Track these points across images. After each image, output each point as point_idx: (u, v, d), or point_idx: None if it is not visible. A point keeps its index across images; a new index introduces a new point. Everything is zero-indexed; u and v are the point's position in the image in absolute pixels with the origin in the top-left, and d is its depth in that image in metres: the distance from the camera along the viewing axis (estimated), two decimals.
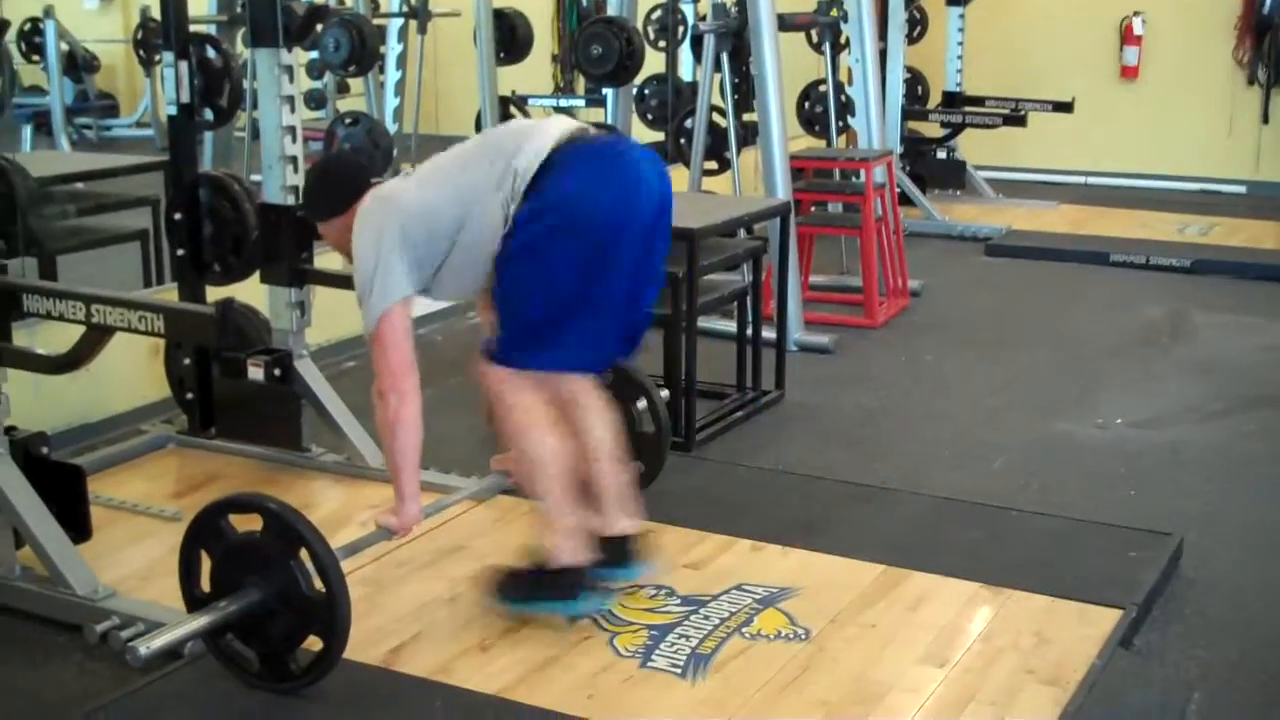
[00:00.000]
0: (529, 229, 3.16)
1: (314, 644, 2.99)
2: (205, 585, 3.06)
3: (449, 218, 3.22)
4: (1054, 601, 3.47)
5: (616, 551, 3.47)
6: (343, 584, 2.95)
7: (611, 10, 7.66)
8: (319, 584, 2.95)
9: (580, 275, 3.16)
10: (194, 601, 3.07)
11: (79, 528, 3.53)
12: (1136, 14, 10.26)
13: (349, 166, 3.62)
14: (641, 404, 3.98)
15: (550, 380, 3.34)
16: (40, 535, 3.42)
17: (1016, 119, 8.99)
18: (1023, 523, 4.04)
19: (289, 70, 4.17)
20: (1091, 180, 10.35)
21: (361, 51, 7.41)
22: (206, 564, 3.08)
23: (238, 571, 3.00)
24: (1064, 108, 9.07)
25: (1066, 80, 9.90)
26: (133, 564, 3.67)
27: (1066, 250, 7.89)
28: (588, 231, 3.15)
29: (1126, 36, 10.35)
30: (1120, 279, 7.38)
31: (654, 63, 8.20)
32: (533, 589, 3.35)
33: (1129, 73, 10.40)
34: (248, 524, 3.03)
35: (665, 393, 4.06)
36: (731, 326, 5.35)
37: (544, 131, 3.25)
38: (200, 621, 2.96)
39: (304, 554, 2.95)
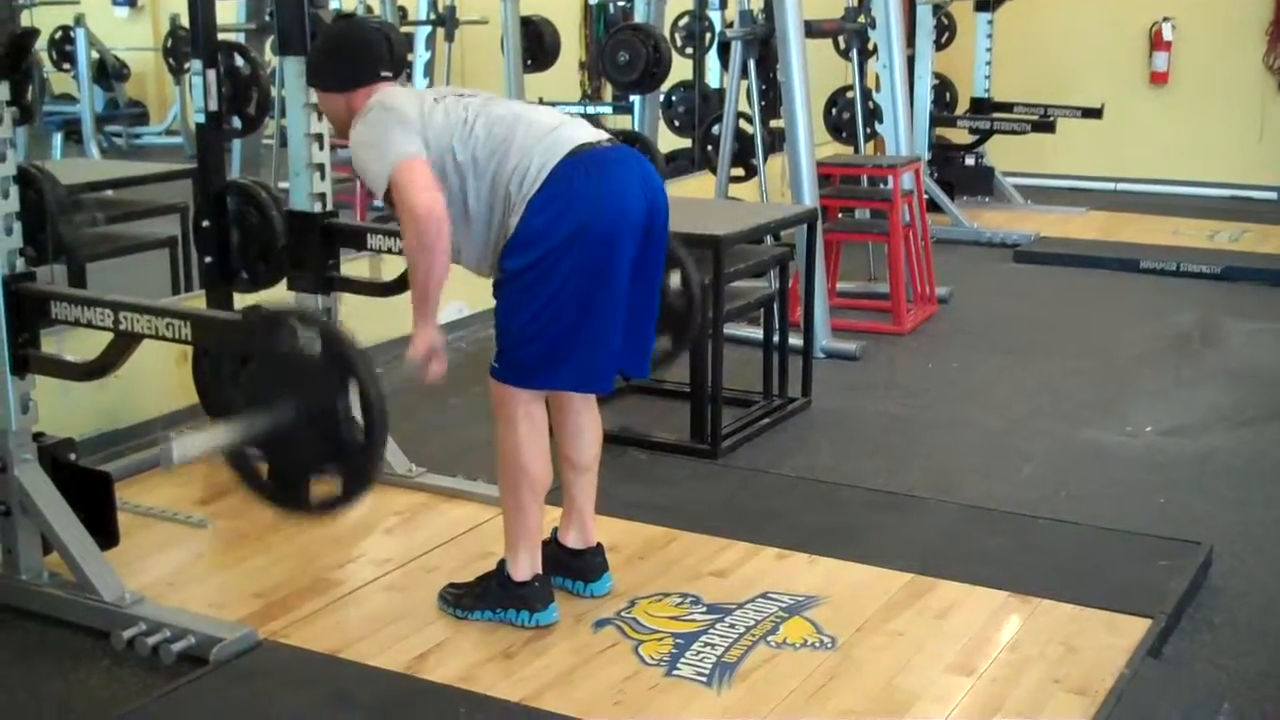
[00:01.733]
0: (521, 256, 3.15)
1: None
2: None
3: (462, 165, 3.19)
4: (1082, 610, 3.45)
5: (583, 564, 3.53)
6: (385, 434, 2.86)
7: (639, 17, 7.69)
8: (361, 428, 2.84)
9: (576, 297, 3.16)
10: (220, 398, 3.00)
11: (107, 534, 3.54)
12: (1166, 19, 10.21)
13: (364, 42, 3.42)
14: (675, 278, 3.89)
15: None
16: (68, 541, 3.43)
17: (1045, 125, 8.96)
18: (1051, 531, 4.02)
19: None
20: (1121, 186, 10.29)
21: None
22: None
23: (278, 385, 2.90)
24: (1093, 114, 9.03)
25: (1096, 86, 9.86)
26: (160, 570, 3.68)
27: (1096, 257, 7.85)
28: (579, 252, 3.13)
29: (1156, 42, 10.29)
30: (1150, 286, 7.34)
31: (681, 70, 8.21)
32: (491, 600, 3.39)
33: (1158, 78, 10.34)
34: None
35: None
36: (758, 333, 5.34)
37: (550, 149, 3.18)
38: (232, 432, 2.89)
39: (353, 390, 2.84)
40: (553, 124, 3.27)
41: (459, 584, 3.49)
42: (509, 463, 3.32)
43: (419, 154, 3.14)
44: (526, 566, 3.37)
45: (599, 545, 3.58)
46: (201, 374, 4.58)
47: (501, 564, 3.41)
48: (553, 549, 3.51)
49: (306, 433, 2.87)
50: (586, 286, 3.16)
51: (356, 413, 2.83)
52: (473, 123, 3.23)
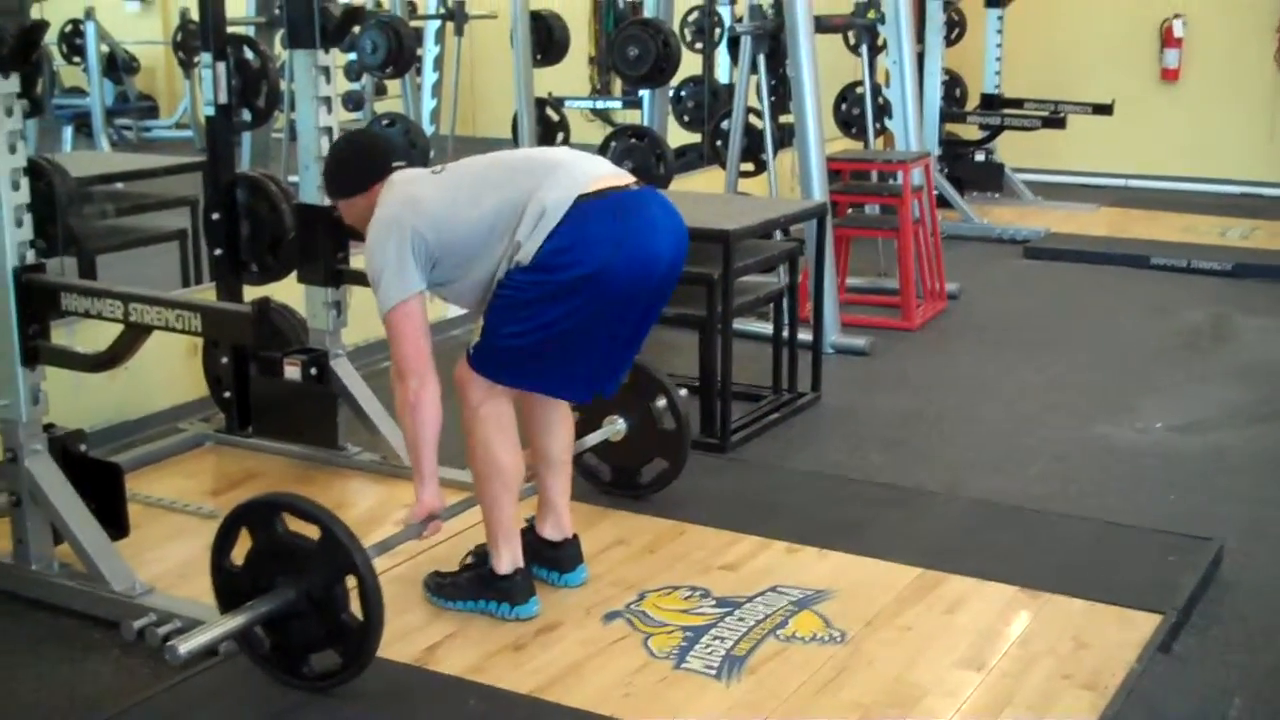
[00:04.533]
0: (532, 277, 3.15)
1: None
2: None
3: (461, 244, 3.21)
4: (1092, 606, 3.45)
5: (559, 555, 3.57)
6: (381, 618, 2.94)
7: (648, 12, 7.67)
8: (358, 613, 2.95)
9: (571, 331, 3.18)
10: (222, 572, 3.06)
11: (117, 525, 3.55)
12: (1177, 16, 10.19)
13: (371, 146, 3.57)
14: (661, 402, 3.98)
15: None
16: (79, 532, 3.44)
17: (1055, 121, 8.94)
18: (1061, 526, 4.01)
19: (326, 72, 4.19)
20: (1131, 183, 10.27)
21: (399, 53, 7.45)
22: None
23: (279, 568, 2.99)
24: (1103, 110, 9.01)
25: (1106, 82, 9.84)
26: (170, 561, 3.69)
27: (1106, 253, 7.83)
28: (588, 295, 3.14)
29: (1167, 39, 10.27)
30: (1161, 282, 7.32)
31: (691, 64, 8.20)
32: (472, 592, 3.42)
33: (1169, 75, 10.33)
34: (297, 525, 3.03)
35: (684, 391, 4.05)
36: (767, 328, 5.34)
37: (559, 189, 3.17)
38: (238, 620, 2.95)
39: (350, 580, 2.96)
40: (559, 161, 3.28)
41: (444, 572, 3.52)
42: (479, 457, 3.35)
43: (418, 289, 3.21)
44: (507, 560, 3.39)
45: (575, 536, 3.61)
46: (211, 366, 4.59)
47: (484, 555, 3.44)
48: (530, 539, 3.52)
49: (306, 616, 2.98)
50: (585, 324, 3.19)
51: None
52: (472, 192, 3.24)
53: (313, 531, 2.97)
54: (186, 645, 2.85)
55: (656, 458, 4.09)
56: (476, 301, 3.31)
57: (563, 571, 3.57)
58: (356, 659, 2.98)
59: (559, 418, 3.55)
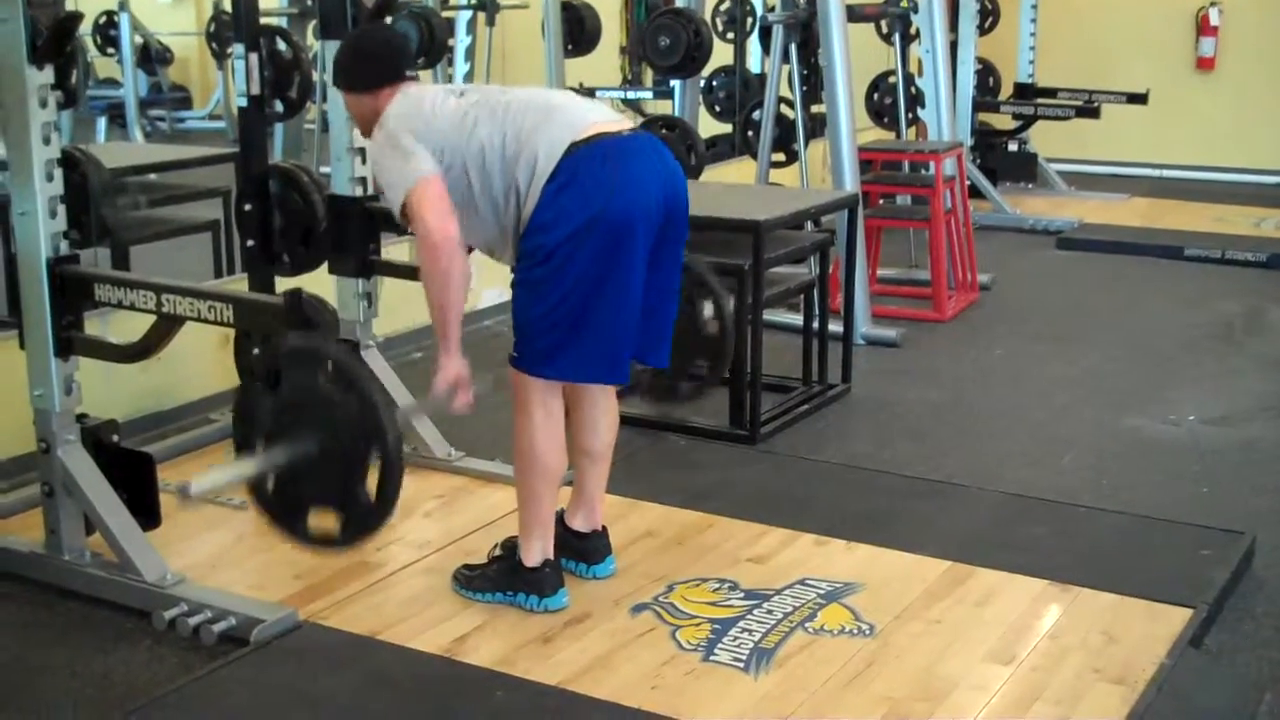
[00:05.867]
0: (536, 242, 3.15)
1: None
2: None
3: (463, 164, 3.20)
4: (1123, 600, 3.43)
5: (587, 547, 3.57)
6: (393, 504, 2.91)
7: (680, 2, 7.65)
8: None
9: (589, 289, 3.15)
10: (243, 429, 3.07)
11: (149, 515, 3.57)
12: (1213, 4, 10.11)
13: (387, 46, 3.50)
14: (708, 309, 3.95)
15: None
16: (110, 522, 3.46)
17: (1089, 111, 8.88)
18: (1092, 520, 3.99)
19: None
20: (1165, 173, 10.21)
21: (430, 44, 7.47)
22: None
23: (305, 417, 2.95)
24: (1138, 99, 8.95)
25: (1141, 72, 9.78)
26: (201, 551, 3.71)
27: (1140, 244, 7.79)
28: (592, 244, 3.13)
29: (1203, 27, 10.19)
30: (1194, 273, 7.28)
31: (722, 54, 8.19)
32: (505, 584, 3.42)
33: (1205, 64, 10.25)
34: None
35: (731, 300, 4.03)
36: (798, 319, 5.33)
37: (554, 132, 3.17)
38: (253, 465, 2.96)
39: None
40: (556, 104, 3.27)
41: (473, 565, 3.52)
42: (523, 451, 3.34)
43: (432, 171, 3.17)
44: (538, 552, 3.39)
45: (604, 529, 3.61)
46: (243, 357, 4.61)
47: (513, 548, 3.44)
48: (559, 531, 3.51)
49: (322, 470, 2.95)
50: (600, 277, 3.15)
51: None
52: (475, 115, 3.23)
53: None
54: (199, 486, 2.88)
55: (698, 359, 4.05)
56: (488, 242, 3.30)
57: (591, 564, 3.57)
58: (356, 534, 2.97)
59: (604, 412, 3.52)
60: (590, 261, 3.13)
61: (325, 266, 4.36)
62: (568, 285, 3.15)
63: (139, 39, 10.42)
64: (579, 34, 7.99)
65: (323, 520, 3.00)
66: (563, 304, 3.17)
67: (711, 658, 3.17)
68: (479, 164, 3.19)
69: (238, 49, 4.32)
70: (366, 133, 3.39)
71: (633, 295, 3.22)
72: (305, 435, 2.94)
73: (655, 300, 3.31)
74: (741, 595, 3.48)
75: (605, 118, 3.28)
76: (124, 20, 10.16)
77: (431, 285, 3.19)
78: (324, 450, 2.93)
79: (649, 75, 9.16)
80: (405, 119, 3.24)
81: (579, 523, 3.58)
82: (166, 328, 3.42)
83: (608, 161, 3.15)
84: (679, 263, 3.39)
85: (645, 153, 3.26)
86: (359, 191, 4.23)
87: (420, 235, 3.16)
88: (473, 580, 3.48)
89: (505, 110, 3.23)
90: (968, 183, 7.22)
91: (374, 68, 3.40)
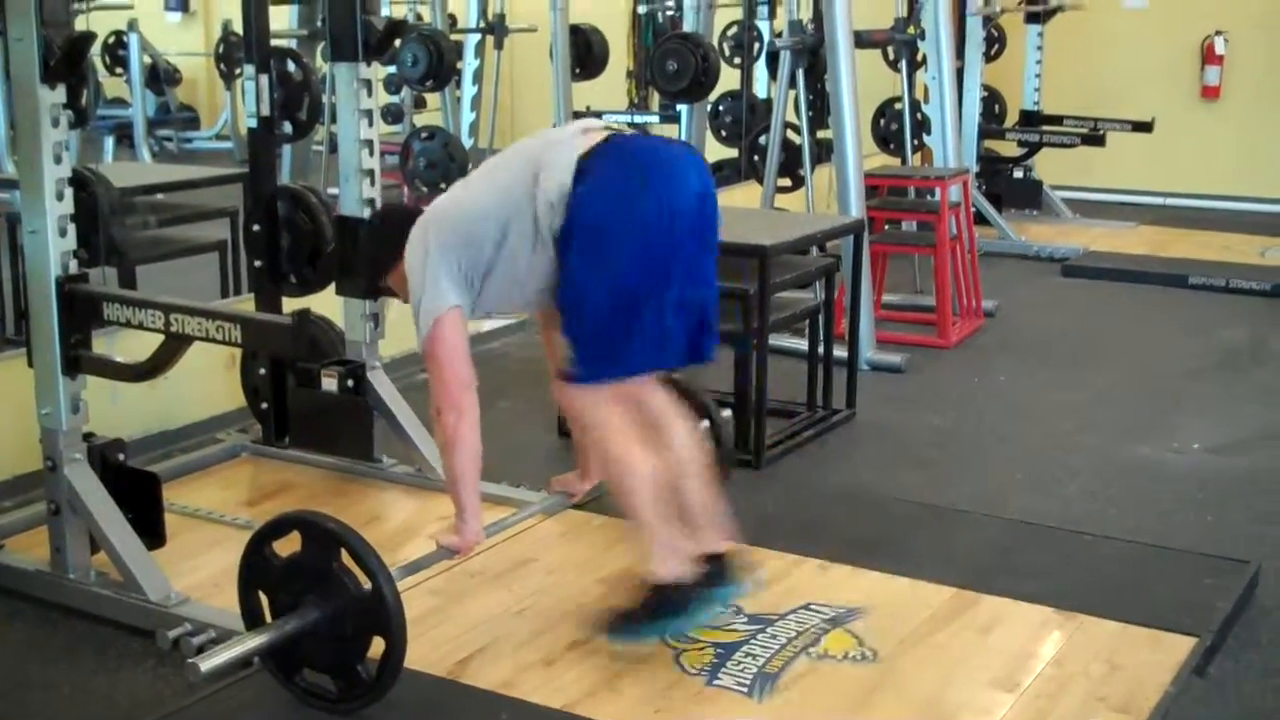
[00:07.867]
0: (574, 243, 3.11)
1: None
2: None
3: (487, 223, 3.18)
4: (1127, 628, 3.42)
5: (710, 570, 3.34)
6: (389, 686, 2.94)
7: (687, 27, 7.69)
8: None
9: (637, 273, 3.10)
10: (258, 565, 3.08)
11: (154, 534, 3.58)
12: (1218, 33, 10.13)
13: (397, 219, 3.47)
14: (703, 424, 3.95)
15: (630, 395, 3.27)
16: (115, 541, 3.47)
17: (1095, 139, 8.89)
18: (1096, 547, 3.99)
19: (367, 85, 4.22)
20: (1171, 201, 10.21)
21: (439, 67, 7.49)
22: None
23: (313, 588, 2.98)
24: (1143, 128, 8.96)
25: (1146, 100, 9.80)
26: (206, 571, 3.71)
27: (1144, 272, 7.78)
28: (633, 235, 3.09)
29: (1208, 56, 10.22)
30: (1199, 302, 7.28)
31: (729, 79, 8.22)
32: (645, 615, 3.26)
33: (1210, 92, 10.27)
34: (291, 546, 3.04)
35: (727, 412, 3.99)
36: (803, 344, 5.33)
37: (567, 143, 3.18)
38: (260, 639, 2.95)
39: (345, 556, 2.95)
40: (550, 141, 3.25)
41: (621, 609, 3.32)
42: (611, 466, 3.24)
43: (448, 302, 3.17)
44: (671, 565, 3.23)
45: (727, 553, 3.40)
46: (249, 377, 4.62)
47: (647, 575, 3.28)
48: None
49: (323, 644, 2.97)
50: (646, 257, 3.10)
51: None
52: (505, 158, 3.27)
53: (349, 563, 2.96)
54: (209, 663, 2.85)
55: None
56: (525, 297, 3.28)
57: (716, 586, 3.34)
58: (350, 705, 2.99)
59: (676, 422, 3.37)
60: (629, 254, 3.09)
61: (333, 288, 4.37)
62: (611, 275, 3.09)
63: (147, 59, 10.46)
64: (587, 58, 8.02)
65: (319, 680, 3.03)
66: (610, 293, 3.09)
67: (715, 682, 3.17)
68: (499, 200, 3.18)
69: (248, 70, 4.34)
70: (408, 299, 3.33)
71: (676, 279, 3.14)
72: (314, 610, 2.96)
73: (690, 291, 3.20)
74: (745, 620, 3.47)
75: (589, 125, 3.28)
76: (133, 40, 10.21)
77: (442, 451, 3.28)
78: (327, 624, 2.96)
79: (656, 99, 9.20)
80: (420, 237, 3.23)
81: (696, 546, 3.34)
82: (175, 347, 3.43)
83: (629, 160, 3.16)
84: (713, 259, 3.30)
85: (670, 148, 3.30)
86: (367, 213, 4.24)
87: (432, 392, 3.23)
88: (616, 623, 3.28)
89: (516, 152, 3.27)
90: (973, 209, 7.24)
91: (392, 241, 3.36)
